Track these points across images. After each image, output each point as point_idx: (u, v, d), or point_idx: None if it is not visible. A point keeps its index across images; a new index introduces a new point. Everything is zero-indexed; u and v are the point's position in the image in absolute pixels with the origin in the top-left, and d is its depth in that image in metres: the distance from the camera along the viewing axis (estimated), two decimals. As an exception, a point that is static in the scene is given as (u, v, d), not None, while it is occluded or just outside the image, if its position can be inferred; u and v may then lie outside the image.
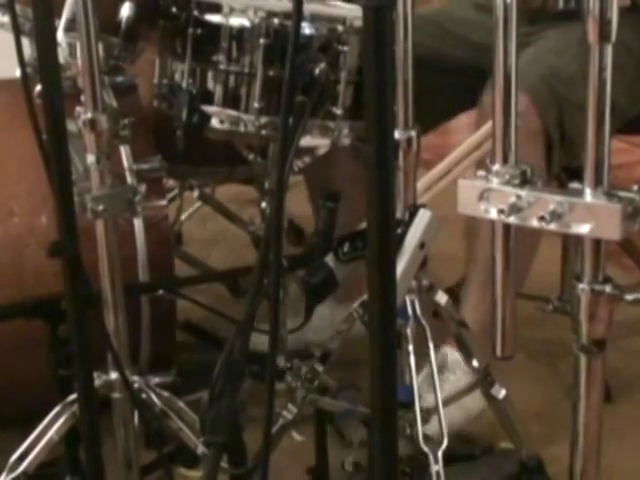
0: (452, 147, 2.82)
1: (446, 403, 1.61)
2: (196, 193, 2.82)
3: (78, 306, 1.33)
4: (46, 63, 1.32)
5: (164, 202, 1.93)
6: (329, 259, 1.50)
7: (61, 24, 1.60)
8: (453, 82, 2.20)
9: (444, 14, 2.29)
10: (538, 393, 2.21)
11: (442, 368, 1.59)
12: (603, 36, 1.01)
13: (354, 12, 1.80)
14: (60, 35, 1.58)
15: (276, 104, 1.73)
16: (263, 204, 1.94)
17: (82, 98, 1.48)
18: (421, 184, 1.60)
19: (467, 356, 1.73)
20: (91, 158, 1.45)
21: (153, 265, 1.85)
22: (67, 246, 1.25)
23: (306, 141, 1.71)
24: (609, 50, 1.01)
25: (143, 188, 1.50)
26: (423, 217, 1.48)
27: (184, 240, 2.99)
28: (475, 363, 1.71)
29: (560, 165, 2.01)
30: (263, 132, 1.73)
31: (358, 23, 1.72)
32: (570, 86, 1.90)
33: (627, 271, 2.56)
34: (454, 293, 2.13)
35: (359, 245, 1.47)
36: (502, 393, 1.76)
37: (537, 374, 2.29)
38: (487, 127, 1.66)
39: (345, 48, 1.72)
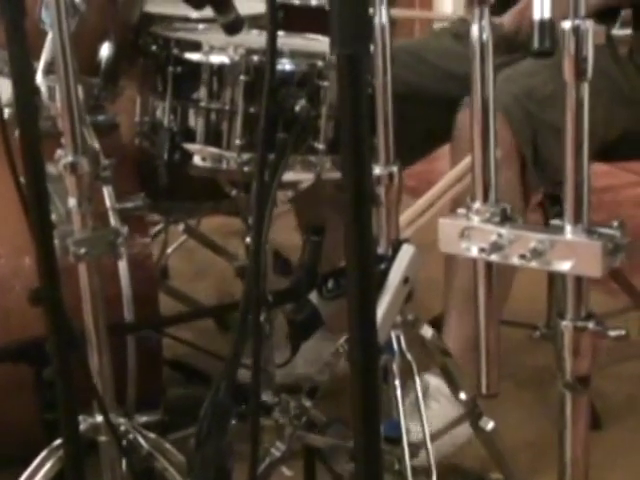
0: (437, 173, 2.83)
1: (434, 437, 1.61)
2: (181, 227, 2.82)
3: (61, 351, 1.32)
4: (24, 107, 1.31)
5: (148, 240, 1.92)
6: (313, 296, 1.50)
7: (40, 67, 1.59)
8: (432, 115, 2.20)
9: (423, 45, 2.30)
10: (526, 421, 2.20)
11: (424, 397, 1.59)
12: (579, 74, 1.01)
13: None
14: (39, 78, 1.58)
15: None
16: (247, 239, 1.94)
17: (62, 140, 1.47)
18: (403, 218, 1.60)
19: (454, 389, 1.72)
20: (72, 201, 1.44)
21: (138, 303, 1.84)
22: (48, 292, 1.24)
23: (289, 176, 1.71)
24: (585, 87, 1.02)
25: (125, 230, 1.49)
26: (406, 252, 1.48)
27: (170, 274, 2.98)
28: (462, 396, 1.71)
29: (536, 187, 2.02)
30: (245, 169, 1.74)
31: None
32: (544, 106, 1.92)
33: (612, 296, 2.56)
34: (440, 322, 2.13)
35: (343, 282, 1.47)
36: (490, 425, 1.75)
37: (525, 402, 2.29)
38: (468, 160, 1.67)
39: (325, 83, 1.72)
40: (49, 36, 1.58)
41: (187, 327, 2.26)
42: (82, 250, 1.42)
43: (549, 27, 0.96)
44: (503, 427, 1.82)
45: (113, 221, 1.70)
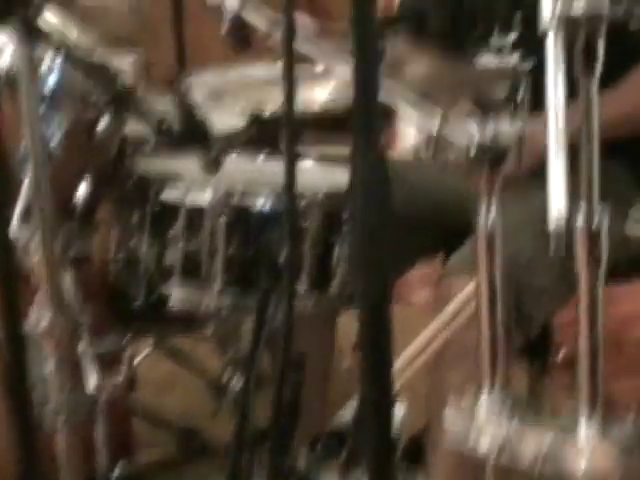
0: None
1: None
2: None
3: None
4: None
5: (120, 379, 1.84)
6: (302, 459, 1.45)
7: (15, 216, 1.53)
8: (413, 236, 2.12)
9: (404, 163, 2.20)
10: None
11: None
12: (593, 268, 0.98)
13: (314, 182, 1.76)
14: (15, 228, 1.52)
15: (237, 281, 1.68)
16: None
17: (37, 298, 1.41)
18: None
19: None
20: (51, 365, 1.38)
21: (112, 445, 1.77)
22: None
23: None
24: (601, 274, 0.98)
25: (104, 394, 1.43)
26: (398, 412, 1.43)
27: (137, 384, 2.90)
28: None
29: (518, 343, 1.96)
30: (224, 312, 1.69)
31: (319, 197, 1.68)
32: (528, 271, 1.85)
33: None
34: (418, 443, 2.06)
35: (332, 445, 1.42)
36: None
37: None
38: (457, 304, 1.62)
39: (306, 223, 1.68)
40: (25, 184, 1.52)
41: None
42: (60, 419, 1.35)
43: (566, 233, 0.92)
44: None
45: (91, 383, 1.61)
